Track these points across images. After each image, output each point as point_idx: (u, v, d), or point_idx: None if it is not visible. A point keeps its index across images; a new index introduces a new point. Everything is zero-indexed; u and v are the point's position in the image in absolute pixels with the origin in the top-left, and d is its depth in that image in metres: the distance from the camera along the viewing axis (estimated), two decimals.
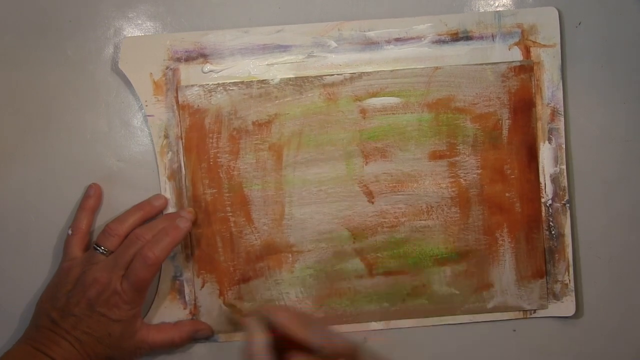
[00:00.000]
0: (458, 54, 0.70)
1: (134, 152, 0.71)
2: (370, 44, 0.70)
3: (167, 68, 0.69)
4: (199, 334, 0.69)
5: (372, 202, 0.70)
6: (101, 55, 0.70)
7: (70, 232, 0.68)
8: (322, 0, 0.71)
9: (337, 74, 0.69)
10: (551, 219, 0.71)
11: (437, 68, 0.69)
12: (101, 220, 0.70)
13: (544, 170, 0.71)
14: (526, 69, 0.70)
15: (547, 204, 0.71)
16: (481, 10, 0.71)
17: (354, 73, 0.69)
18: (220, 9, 0.70)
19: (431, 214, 0.70)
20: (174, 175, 0.70)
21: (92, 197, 0.69)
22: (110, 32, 0.70)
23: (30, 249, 0.71)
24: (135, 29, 0.70)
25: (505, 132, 0.70)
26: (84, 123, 0.70)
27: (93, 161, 0.71)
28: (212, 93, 0.69)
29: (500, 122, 0.70)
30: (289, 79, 0.69)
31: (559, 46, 0.70)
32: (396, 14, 0.70)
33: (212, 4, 0.70)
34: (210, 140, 0.69)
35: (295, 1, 0.71)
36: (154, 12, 0.70)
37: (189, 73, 0.69)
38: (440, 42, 0.70)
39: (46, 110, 0.70)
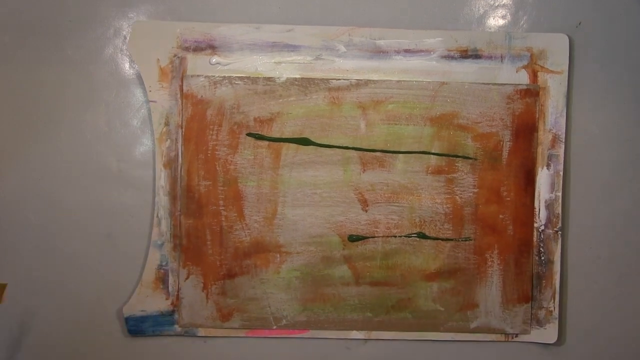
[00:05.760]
0: (465, 71, 0.70)
1: (134, 152, 0.70)
2: (379, 53, 0.70)
3: (174, 56, 0.69)
4: None
5: (366, 211, 0.70)
6: (101, 55, 0.70)
7: None
8: (321, 2, 0.71)
9: (344, 79, 0.69)
10: (542, 245, 0.71)
11: (443, 83, 0.69)
12: (103, 218, 0.70)
13: (539, 196, 0.71)
14: (532, 93, 0.70)
15: (540, 230, 0.71)
16: (492, 29, 0.71)
17: (360, 80, 0.69)
18: (220, 8, 0.70)
19: (424, 228, 0.70)
20: (170, 164, 0.69)
21: None
22: (110, 32, 0.70)
23: (29, 248, 0.70)
24: None
25: (505, 153, 0.70)
26: (84, 123, 0.70)
27: (93, 161, 0.70)
28: (217, 85, 0.68)
29: (502, 143, 0.70)
30: (295, 79, 0.69)
31: (566, 73, 0.70)
32: (400, 24, 0.71)
33: (212, 4, 0.70)
34: (210, 132, 0.68)
35: (296, 2, 0.71)
36: (153, 12, 0.70)
37: (195, 63, 0.69)
38: (449, 57, 0.70)
39: (46, 110, 0.70)
